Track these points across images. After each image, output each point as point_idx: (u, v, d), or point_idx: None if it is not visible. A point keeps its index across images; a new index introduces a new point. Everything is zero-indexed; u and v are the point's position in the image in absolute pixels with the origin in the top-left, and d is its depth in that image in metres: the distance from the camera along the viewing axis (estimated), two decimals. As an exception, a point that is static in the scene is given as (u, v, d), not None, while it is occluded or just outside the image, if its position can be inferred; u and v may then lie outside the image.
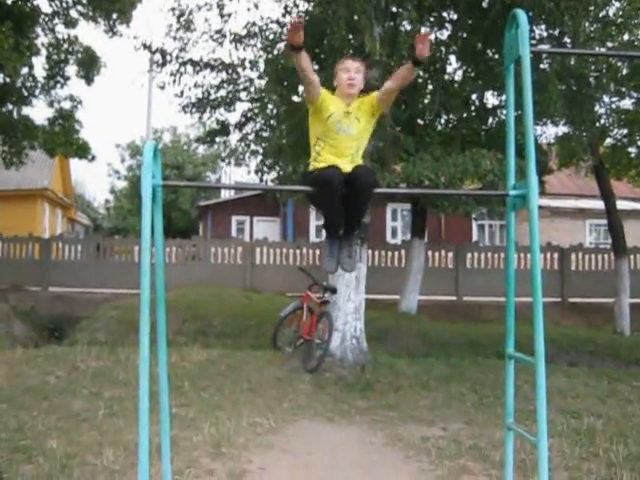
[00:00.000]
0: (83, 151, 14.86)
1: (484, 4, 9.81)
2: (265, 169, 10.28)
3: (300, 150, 9.10)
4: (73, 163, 33.07)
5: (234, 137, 10.83)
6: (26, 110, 15.47)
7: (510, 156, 4.35)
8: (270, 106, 10.04)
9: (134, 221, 41.87)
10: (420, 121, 11.05)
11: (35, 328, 15.02)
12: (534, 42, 9.71)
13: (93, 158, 15.42)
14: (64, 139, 14.31)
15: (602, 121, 13.31)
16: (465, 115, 11.01)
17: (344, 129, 4.14)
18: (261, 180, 11.16)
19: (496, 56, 10.38)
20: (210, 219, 29.45)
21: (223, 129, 10.86)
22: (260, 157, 10.03)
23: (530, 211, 3.96)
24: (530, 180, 3.93)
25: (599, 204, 17.80)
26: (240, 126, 10.63)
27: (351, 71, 4.13)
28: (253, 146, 10.16)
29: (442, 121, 11.35)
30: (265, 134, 10.22)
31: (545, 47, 9.97)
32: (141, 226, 4.16)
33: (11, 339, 12.72)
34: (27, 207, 26.62)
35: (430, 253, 18.38)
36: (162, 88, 11.08)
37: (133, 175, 45.20)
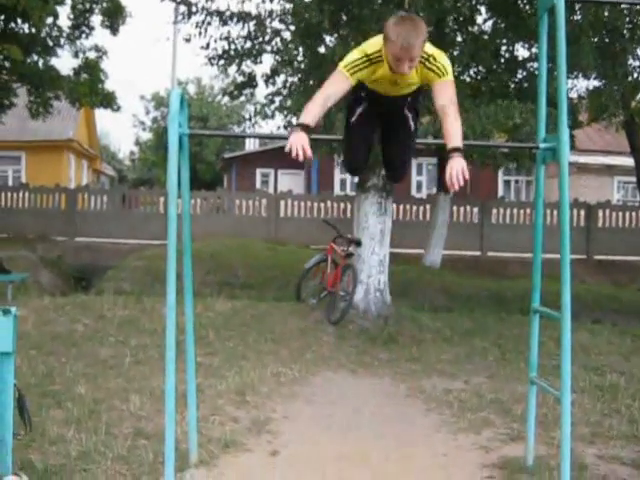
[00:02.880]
0: (108, 101, 14.86)
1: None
2: (294, 123, 10.15)
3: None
4: (98, 114, 33.12)
5: (260, 90, 10.75)
6: (52, 61, 15.47)
7: (541, 108, 4.28)
8: (299, 58, 9.90)
9: (159, 173, 41.98)
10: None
11: (62, 277, 15.26)
12: (568, -8, 9.42)
13: (118, 108, 15.43)
14: (89, 89, 14.30)
15: (635, 75, 12.97)
16: (494, 67, 10.77)
17: (389, 92, 3.71)
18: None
19: (527, 7, 10.13)
20: (235, 171, 29.46)
21: (250, 81, 10.76)
22: (288, 113, 9.89)
23: (560, 165, 3.90)
24: (561, 133, 3.87)
25: (628, 161, 17.52)
26: (267, 79, 10.52)
27: (404, 62, 3.37)
28: (282, 102, 10.03)
29: (471, 73, 11.13)
30: (293, 88, 10.08)
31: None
32: (167, 176, 4.17)
33: (39, 288, 12.91)
34: (53, 158, 26.78)
35: (455, 208, 18.27)
36: (188, 41, 10.95)
37: (158, 127, 45.19)
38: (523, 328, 9.54)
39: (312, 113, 3.50)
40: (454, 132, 3.51)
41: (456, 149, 3.46)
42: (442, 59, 3.55)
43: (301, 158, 3.34)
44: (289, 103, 9.82)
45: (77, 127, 28.74)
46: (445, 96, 3.55)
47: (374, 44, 3.52)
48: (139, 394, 5.84)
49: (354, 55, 3.55)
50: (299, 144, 3.34)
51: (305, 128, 3.42)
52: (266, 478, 4.42)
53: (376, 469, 4.60)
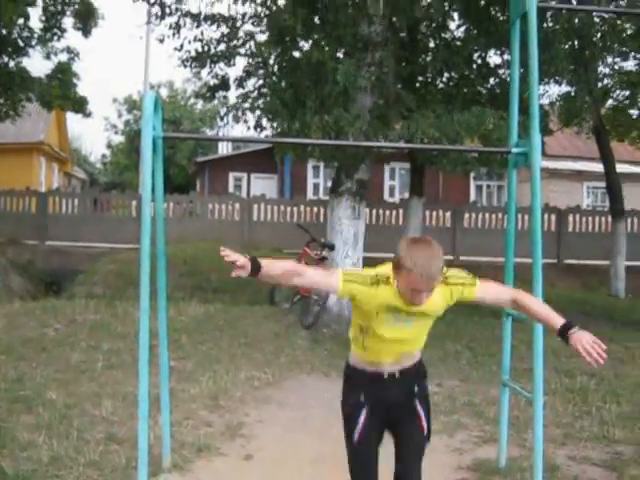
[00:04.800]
0: (80, 106, 14.66)
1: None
2: (264, 125, 10.11)
3: (296, 107, 8.98)
4: (70, 117, 32.74)
5: (234, 93, 10.66)
6: (23, 62, 15.25)
7: (513, 113, 4.34)
8: (271, 62, 9.88)
9: (131, 176, 41.73)
10: (421, 78, 10.92)
11: (32, 282, 15.06)
12: (540, -1, 9.53)
13: (89, 114, 15.24)
14: (61, 92, 14.13)
15: (605, 82, 13.18)
16: (467, 73, 10.86)
17: (401, 320, 3.08)
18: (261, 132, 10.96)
19: (499, 14, 10.23)
20: (207, 175, 29.30)
21: (223, 84, 10.71)
22: (258, 113, 9.86)
23: (532, 169, 3.96)
24: (533, 138, 3.92)
25: (597, 166, 17.76)
26: (240, 81, 10.49)
27: (423, 293, 2.89)
28: (253, 102, 9.99)
29: (444, 79, 11.21)
30: (265, 90, 10.04)
31: (552, 3, 9.82)
32: (141, 179, 4.15)
33: (9, 292, 12.75)
34: (23, 161, 26.39)
35: (428, 212, 18.37)
36: (161, 41, 10.89)
37: (130, 130, 44.85)
38: (495, 331, 9.62)
39: (270, 265, 3.02)
40: (548, 312, 3.11)
41: (568, 326, 3.00)
42: (461, 272, 3.21)
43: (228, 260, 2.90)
44: (260, 103, 9.76)
45: (48, 130, 28.39)
46: (500, 292, 3.25)
47: (383, 270, 3.04)
48: (111, 399, 5.80)
49: (359, 271, 3.16)
50: (236, 258, 2.89)
51: (255, 262, 2.94)
52: (240, 482, 4.41)
53: (350, 472, 4.60)
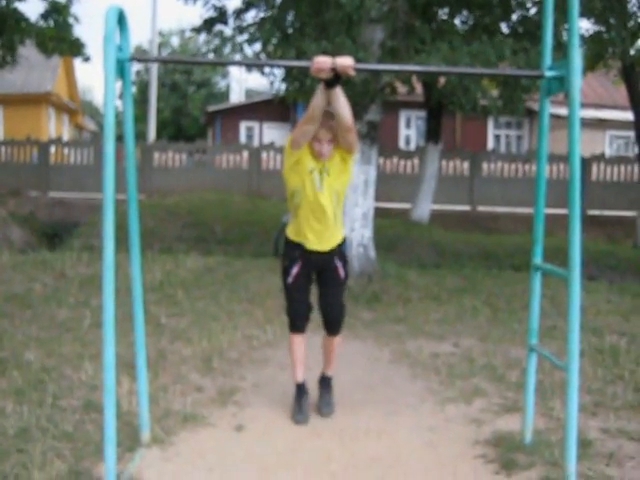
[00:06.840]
0: (76, 48, 13.88)
1: None
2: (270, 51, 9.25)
3: (296, 37, 8.24)
4: (81, 69, 32.11)
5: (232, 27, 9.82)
6: (19, 6, 14.41)
7: (547, 32, 3.63)
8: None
9: (142, 127, 41.17)
10: (439, 12, 10.05)
11: (34, 234, 14.58)
12: None
13: (88, 58, 14.44)
14: (55, 33, 13.35)
15: (636, 19, 12.23)
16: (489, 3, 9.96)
17: (319, 186, 4.18)
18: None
19: None
20: (219, 125, 28.63)
21: (221, 16, 9.93)
22: (260, 44, 9.04)
23: (570, 98, 3.30)
24: (572, 58, 3.24)
25: (620, 115, 16.88)
26: (239, 14, 9.72)
27: (323, 143, 4.10)
28: (252, 34, 9.18)
29: (463, 12, 10.30)
30: (266, 24, 9.21)
31: None
32: (104, 110, 3.56)
33: (9, 245, 12.26)
34: (31, 112, 25.79)
35: (445, 162, 17.69)
36: None
37: (140, 81, 44.17)
38: (516, 285, 9.02)
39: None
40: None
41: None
42: None
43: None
44: (258, 35, 8.97)
45: (56, 80, 27.66)
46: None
47: None
48: (94, 361, 5.25)
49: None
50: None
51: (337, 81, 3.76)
52: (228, 458, 3.87)
53: (354, 446, 4.06)
